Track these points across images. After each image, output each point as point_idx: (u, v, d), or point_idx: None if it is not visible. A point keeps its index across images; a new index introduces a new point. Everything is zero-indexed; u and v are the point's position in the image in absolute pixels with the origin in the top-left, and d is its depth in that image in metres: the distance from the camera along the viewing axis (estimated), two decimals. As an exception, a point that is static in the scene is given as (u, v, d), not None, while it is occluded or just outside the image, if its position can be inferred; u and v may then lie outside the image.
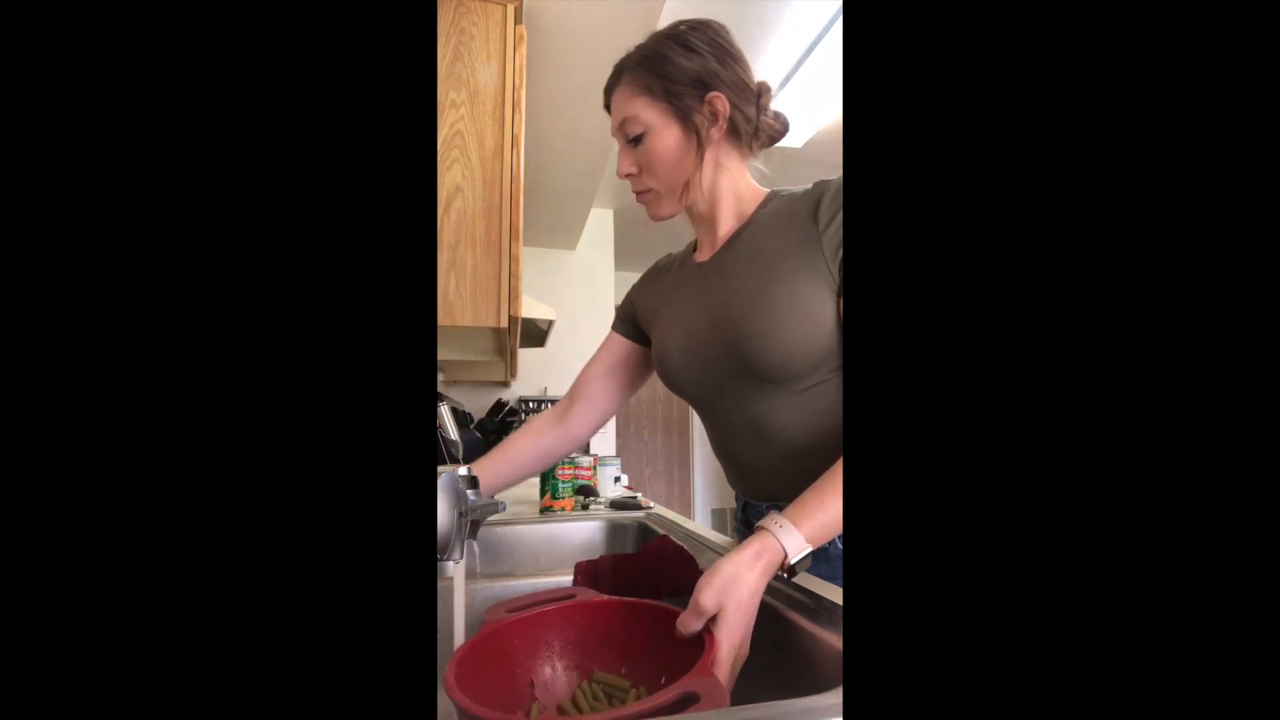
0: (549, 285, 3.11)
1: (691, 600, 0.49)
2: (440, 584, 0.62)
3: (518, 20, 1.17)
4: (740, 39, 0.71)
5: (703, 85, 0.66)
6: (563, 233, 2.94)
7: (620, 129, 0.69)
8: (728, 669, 0.46)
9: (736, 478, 0.77)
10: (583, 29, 1.42)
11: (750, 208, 0.73)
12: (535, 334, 2.48)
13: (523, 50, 1.17)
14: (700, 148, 0.68)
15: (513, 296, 1.09)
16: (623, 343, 0.85)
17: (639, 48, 0.69)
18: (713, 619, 0.48)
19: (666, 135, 0.67)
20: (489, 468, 0.79)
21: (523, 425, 0.86)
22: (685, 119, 0.67)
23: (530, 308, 2.11)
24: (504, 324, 1.09)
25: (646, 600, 0.55)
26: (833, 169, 0.67)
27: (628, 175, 0.70)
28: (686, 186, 0.69)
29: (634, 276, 0.89)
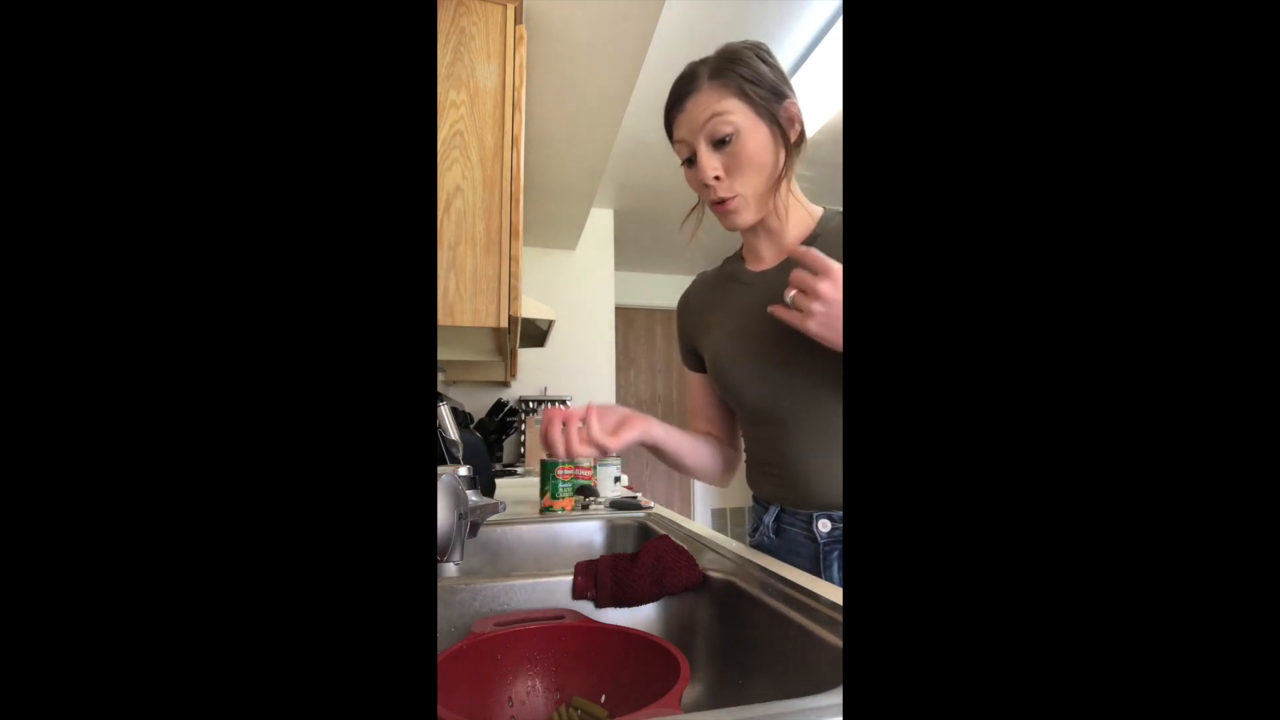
0: (549, 285, 3.11)
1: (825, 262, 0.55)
2: (440, 584, 0.62)
3: (518, 20, 1.17)
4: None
5: (778, 93, 0.69)
6: (563, 233, 2.94)
7: (704, 129, 0.68)
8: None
9: (791, 486, 0.75)
10: (583, 29, 1.42)
11: (809, 218, 0.74)
12: (535, 334, 2.48)
13: (523, 50, 1.17)
14: (788, 150, 0.70)
15: (513, 296, 1.09)
16: (702, 378, 0.85)
17: (715, 56, 0.69)
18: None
19: (758, 136, 0.68)
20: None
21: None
22: (773, 120, 0.68)
23: (530, 308, 2.11)
24: (504, 324, 1.09)
25: (636, 630, 0.55)
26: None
27: (714, 180, 0.68)
28: (772, 191, 0.70)
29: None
